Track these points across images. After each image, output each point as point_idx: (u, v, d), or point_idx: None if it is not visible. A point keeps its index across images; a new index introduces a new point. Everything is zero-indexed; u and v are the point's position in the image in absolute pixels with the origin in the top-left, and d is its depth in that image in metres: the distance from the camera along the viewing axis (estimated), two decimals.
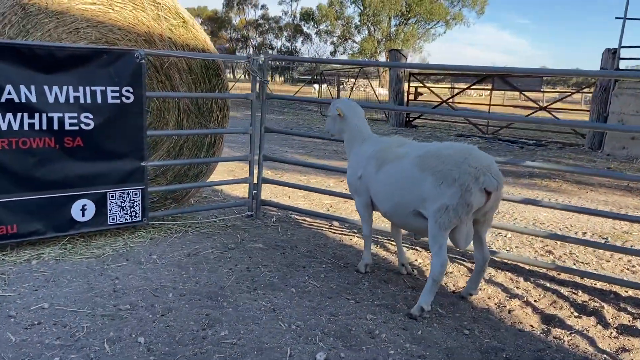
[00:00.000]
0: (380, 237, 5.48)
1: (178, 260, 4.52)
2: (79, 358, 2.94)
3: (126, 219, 5.05)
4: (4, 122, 4.29)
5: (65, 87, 4.52)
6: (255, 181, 5.95)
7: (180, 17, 5.39)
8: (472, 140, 14.41)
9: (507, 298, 4.12)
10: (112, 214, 4.96)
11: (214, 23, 64.61)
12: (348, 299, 3.93)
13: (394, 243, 4.85)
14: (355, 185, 4.33)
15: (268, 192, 7.05)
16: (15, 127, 4.36)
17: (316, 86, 31.05)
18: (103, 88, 4.71)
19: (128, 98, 4.82)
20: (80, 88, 4.60)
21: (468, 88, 22.81)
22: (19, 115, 4.35)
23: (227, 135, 7.33)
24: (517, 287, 4.35)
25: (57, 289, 3.80)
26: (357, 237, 5.49)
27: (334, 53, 56.98)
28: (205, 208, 5.97)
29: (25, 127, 4.40)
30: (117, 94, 4.76)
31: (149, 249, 4.76)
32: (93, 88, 4.67)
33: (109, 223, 4.96)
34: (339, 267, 4.60)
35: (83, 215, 4.80)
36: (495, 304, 4.01)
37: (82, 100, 4.62)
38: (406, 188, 3.78)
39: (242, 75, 34.63)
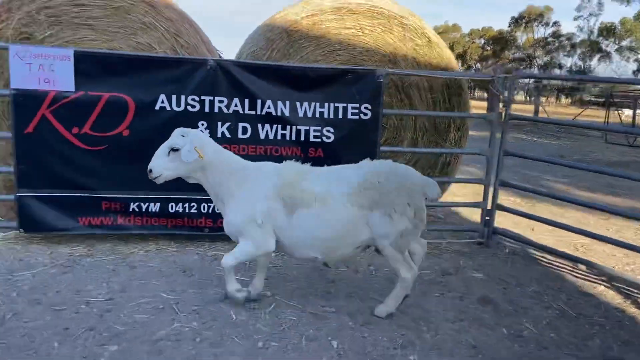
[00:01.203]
0: None
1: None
2: (278, 346, 3.22)
3: None
4: (262, 131, 5.04)
5: (313, 103, 5.04)
6: (489, 207, 5.58)
7: (425, 37, 5.45)
8: None
9: None
10: None
11: (498, 43, 63.19)
12: (568, 355, 3.33)
13: None
14: (254, 232, 3.47)
15: (509, 221, 6.50)
16: (271, 136, 5.06)
17: (628, 111, 25.84)
18: (345, 105, 5.09)
19: (366, 115, 5.10)
20: (326, 104, 5.07)
21: None
22: (274, 126, 5.04)
23: (466, 156, 7.05)
24: None
25: (281, 283, 4.24)
26: (604, 286, 4.62)
27: (637, 72, 49.49)
28: (431, 228, 5.86)
29: (279, 137, 5.07)
30: (357, 111, 5.08)
31: (370, 259, 4.91)
32: (336, 105, 5.09)
33: None
34: (568, 316, 3.94)
35: None
36: None
37: (325, 115, 5.08)
38: (349, 232, 3.43)
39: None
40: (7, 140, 4.90)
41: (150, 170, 3.46)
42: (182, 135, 3.45)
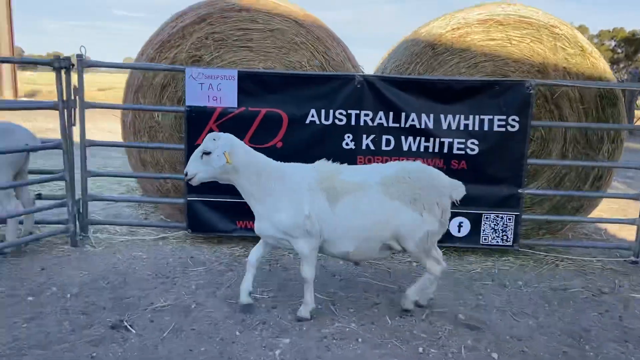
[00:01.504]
0: None
1: (543, 292, 4.42)
2: (438, 354, 3.31)
3: (497, 242, 5.25)
4: (405, 143, 5.17)
5: (458, 116, 5.07)
6: None
7: (579, 46, 5.25)
8: None
9: None
10: (485, 234, 5.25)
11: (630, 45, 57.85)
12: None
13: None
14: (304, 226, 3.48)
15: None
16: (414, 148, 5.17)
17: None
18: (491, 117, 5.06)
19: (513, 127, 5.02)
20: (470, 117, 5.07)
21: None
22: (417, 138, 5.15)
23: (622, 170, 6.61)
24: None
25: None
26: None
27: None
28: (581, 244, 5.57)
29: (422, 149, 5.17)
30: (503, 123, 5.03)
31: (516, 274, 4.82)
32: (482, 117, 5.07)
33: (480, 242, 5.27)
34: None
35: (459, 231, 5.26)
36: None
37: (470, 128, 5.08)
38: (379, 223, 3.49)
39: None
40: (175, 150, 5.55)
41: (186, 173, 3.58)
42: (214, 139, 3.52)
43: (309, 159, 5.15)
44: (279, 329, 3.54)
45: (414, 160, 5.10)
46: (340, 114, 5.14)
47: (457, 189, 3.68)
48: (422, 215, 3.48)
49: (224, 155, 3.45)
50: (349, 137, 5.18)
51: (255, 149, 5.13)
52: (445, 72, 5.41)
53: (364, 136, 5.18)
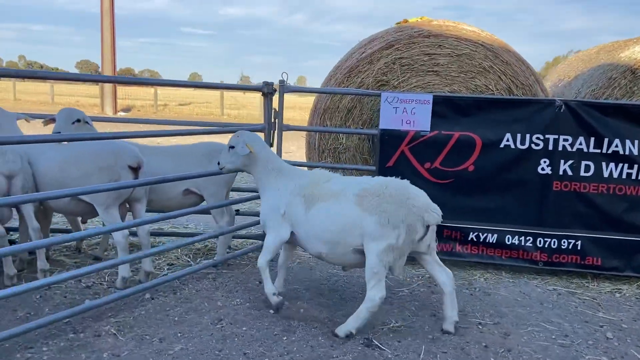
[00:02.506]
0: None
1: None
2: None
3: None
4: (606, 169, 5.03)
5: None
6: None
7: None
8: None
9: None
10: None
11: None
12: None
13: None
14: (275, 221, 3.96)
15: None
16: (615, 175, 5.02)
17: None
18: None
19: None
20: None
21: None
22: (620, 165, 5.00)
23: None
24: None
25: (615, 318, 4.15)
26: None
27: None
28: None
29: (623, 176, 5.01)
30: None
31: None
32: None
33: None
34: None
35: None
36: None
37: None
38: (348, 229, 3.65)
39: None
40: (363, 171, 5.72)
41: (218, 163, 4.16)
42: (237, 136, 4.09)
43: (502, 183, 5.21)
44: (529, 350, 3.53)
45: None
46: (538, 138, 5.09)
47: (431, 213, 3.64)
48: (384, 228, 3.52)
49: (246, 147, 3.96)
50: (545, 162, 5.12)
51: (446, 172, 5.31)
52: None
53: (562, 161, 5.10)
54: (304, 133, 6.36)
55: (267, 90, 5.21)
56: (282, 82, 5.36)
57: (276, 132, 5.39)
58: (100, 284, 4.48)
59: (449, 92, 5.63)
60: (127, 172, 4.27)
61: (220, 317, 3.93)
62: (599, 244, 5.13)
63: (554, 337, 3.89)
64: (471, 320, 4.12)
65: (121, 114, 26.28)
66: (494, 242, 5.29)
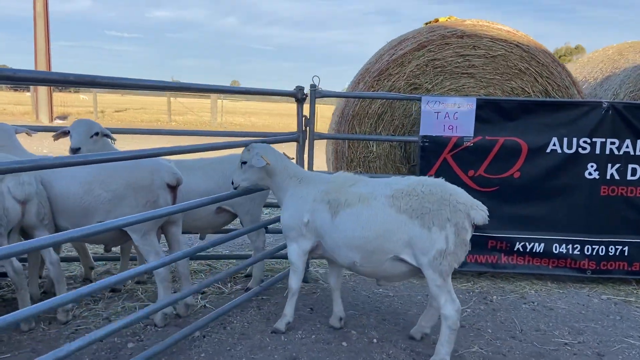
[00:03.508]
0: None
1: None
2: None
3: None
4: None
5: None
6: None
7: None
8: None
9: None
10: None
11: None
12: None
13: None
14: (299, 231, 3.62)
15: None
16: None
17: None
18: None
19: None
20: None
21: None
22: None
23: None
24: None
25: None
26: None
27: None
28: None
29: None
30: None
31: None
32: None
33: None
34: None
35: None
36: None
37: None
38: (383, 235, 3.27)
39: None
40: None
41: (232, 182, 3.84)
42: (248, 150, 3.76)
43: (548, 190, 4.98)
44: None
45: None
46: (585, 142, 4.91)
47: (476, 209, 3.24)
48: (430, 230, 3.16)
49: (262, 159, 3.63)
50: (592, 166, 4.94)
51: (490, 180, 5.02)
52: None
53: (609, 165, 4.94)
54: (324, 142, 5.91)
55: (301, 96, 4.74)
56: (313, 86, 4.90)
57: (307, 141, 4.93)
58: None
59: (484, 95, 5.36)
60: (166, 192, 3.68)
61: (293, 354, 3.42)
62: None
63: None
64: (555, 340, 3.82)
65: (58, 122, 24.42)
66: (541, 251, 5.05)
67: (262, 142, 4.09)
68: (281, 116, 31.77)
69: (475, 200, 3.34)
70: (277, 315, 4.02)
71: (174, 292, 3.98)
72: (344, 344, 3.60)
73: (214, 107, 27.74)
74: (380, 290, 4.75)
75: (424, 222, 3.20)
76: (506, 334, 3.91)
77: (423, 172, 4.95)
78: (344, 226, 3.42)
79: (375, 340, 3.68)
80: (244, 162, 3.77)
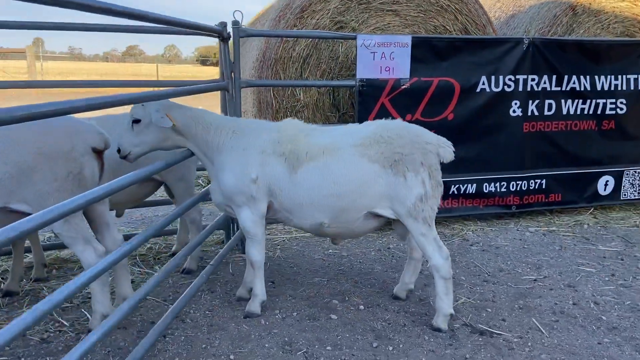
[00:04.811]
0: None
1: None
2: None
3: (634, 196, 5.56)
4: (564, 107, 5.17)
5: (609, 77, 5.20)
6: None
7: None
8: None
9: None
10: (624, 190, 5.52)
11: None
12: None
13: None
14: (248, 192, 3.03)
15: None
16: (572, 111, 5.20)
17: None
18: (636, 76, 5.27)
19: None
20: (619, 77, 5.23)
21: None
22: (575, 101, 5.18)
23: None
24: None
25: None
26: None
27: None
28: None
29: (578, 112, 5.22)
30: None
31: None
32: (627, 76, 5.26)
33: (620, 198, 5.54)
34: None
35: (605, 189, 5.47)
36: None
37: (619, 88, 5.25)
38: (358, 190, 2.96)
39: None
40: None
41: (119, 150, 3.03)
42: (142, 105, 3.02)
43: (479, 130, 4.97)
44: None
45: (607, 124, 5.24)
46: (510, 79, 4.95)
47: (444, 147, 3.05)
48: (405, 177, 2.93)
49: (167, 118, 2.94)
50: (516, 104, 5.03)
51: (426, 123, 4.78)
52: (583, 33, 5.49)
53: (530, 102, 5.06)
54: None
55: (226, 34, 3.97)
56: (236, 24, 4.13)
57: (234, 90, 4.19)
58: (57, 331, 2.90)
59: (410, 33, 5.09)
60: (92, 158, 2.76)
61: (285, 339, 2.87)
62: (560, 181, 5.31)
63: (607, 278, 3.84)
64: (524, 278, 3.82)
65: None
66: (474, 192, 5.08)
67: (187, 92, 3.30)
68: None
69: (440, 137, 3.13)
70: (235, 295, 3.39)
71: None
72: (333, 316, 3.16)
73: (32, 68, 23.94)
74: (331, 250, 4.35)
75: (398, 170, 2.94)
76: (478, 279, 3.81)
77: (361, 119, 4.54)
78: (309, 183, 2.97)
79: (362, 307, 3.30)
80: (136, 121, 2.98)
